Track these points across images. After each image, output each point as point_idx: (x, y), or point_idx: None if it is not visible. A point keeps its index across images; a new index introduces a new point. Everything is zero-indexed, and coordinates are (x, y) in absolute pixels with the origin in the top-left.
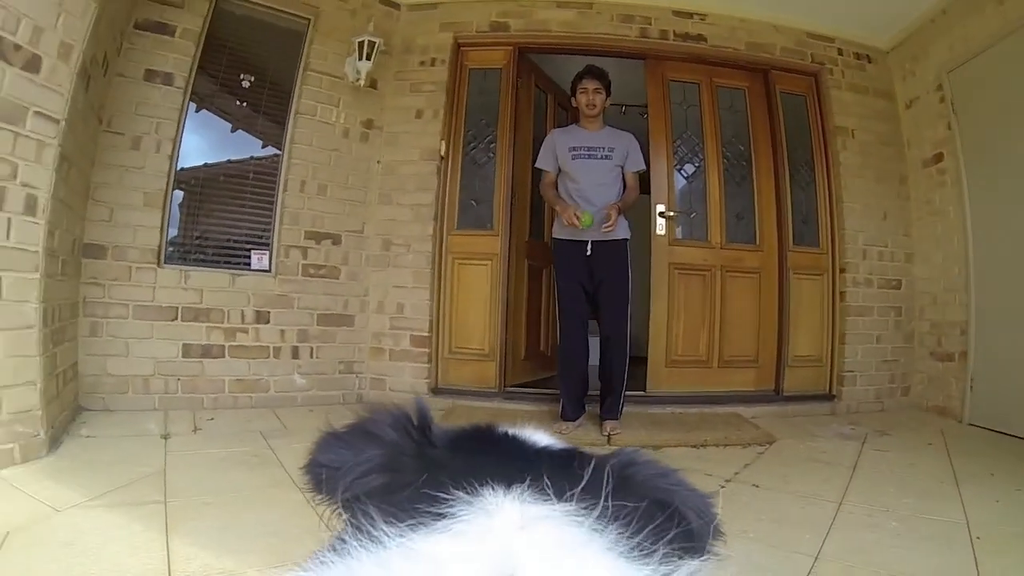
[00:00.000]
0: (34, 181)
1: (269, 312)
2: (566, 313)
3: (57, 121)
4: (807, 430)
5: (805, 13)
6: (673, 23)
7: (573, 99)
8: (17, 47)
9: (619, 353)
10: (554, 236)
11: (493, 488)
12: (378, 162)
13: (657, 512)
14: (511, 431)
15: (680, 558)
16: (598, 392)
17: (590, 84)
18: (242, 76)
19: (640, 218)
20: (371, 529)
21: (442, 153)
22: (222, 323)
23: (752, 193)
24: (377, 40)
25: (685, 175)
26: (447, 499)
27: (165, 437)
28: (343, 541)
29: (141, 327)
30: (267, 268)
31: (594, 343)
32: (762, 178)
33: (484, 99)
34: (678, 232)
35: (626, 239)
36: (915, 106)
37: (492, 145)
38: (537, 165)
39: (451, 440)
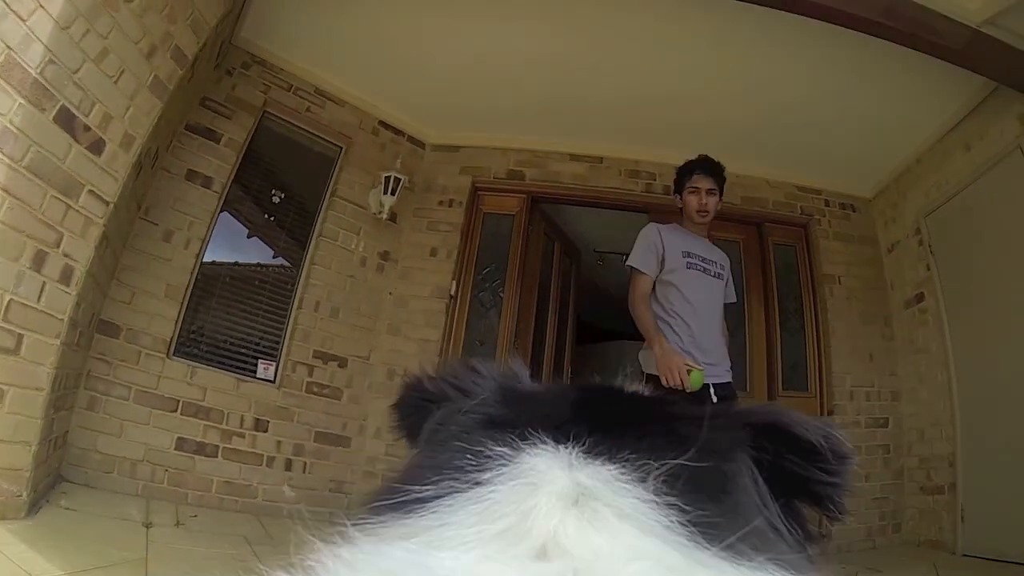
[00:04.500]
0: (75, 254)
1: (269, 422)
2: None
3: (107, 203)
4: None
5: (795, 167)
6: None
7: (677, 197)
8: (87, 128)
9: None
10: (652, 373)
11: (543, 440)
12: (390, 293)
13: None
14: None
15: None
16: None
17: (704, 183)
18: (274, 191)
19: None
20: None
21: (452, 292)
22: (221, 424)
23: (745, 341)
24: (403, 177)
25: None
26: (489, 456)
27: (147, 525)
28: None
29: (139, 412)
30: (272, 379)
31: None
32: (754, 327)
33: (496, 243)
34: None
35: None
36: (896, 250)
37: (499, 289)
38: (634, 264)
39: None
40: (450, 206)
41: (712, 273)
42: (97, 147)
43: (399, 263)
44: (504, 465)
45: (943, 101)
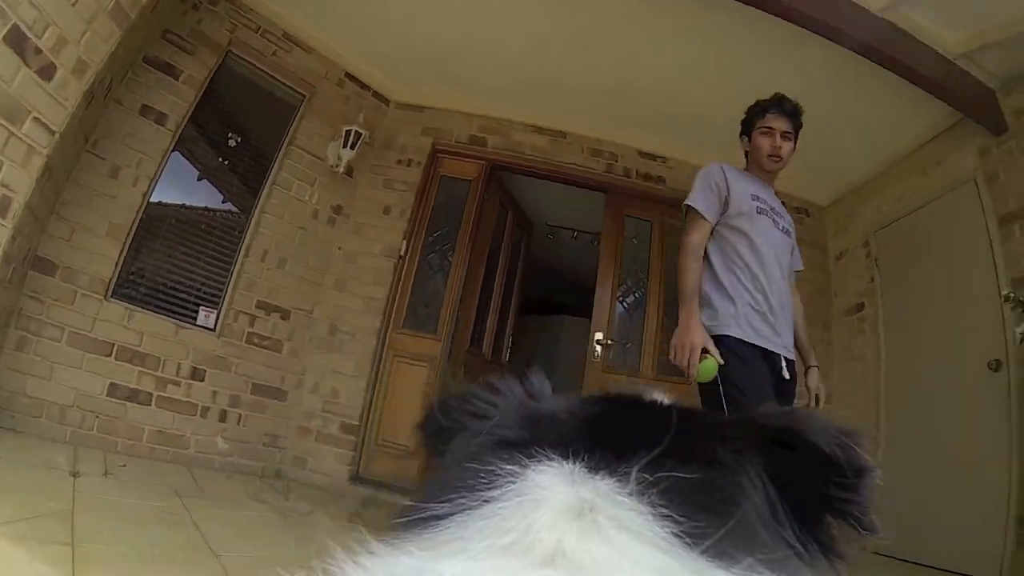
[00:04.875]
0: (14, 184)
1: (206, 371)
2: None
3: (53, 133)
4: None
5: None
6: (637, 163)
7: (745, 139)
8: (38, 50)
9: None
10: (727, 334)
11: (550, 457)
12: (339, 248)
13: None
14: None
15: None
16: None
17: (779, 124)
18: (230, 135)
19: (580, 341)
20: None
21: (401, 252)
22: (156, 371)
23: None
24: (364, 132)
25: (626, 306)
26: (499, 475)
27: (75, 475)
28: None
29: (72, 355)
30: (212, 327)
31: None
32: None
33: (450, 206)
34: (611, 358)
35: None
36: (844, 259)
37: (448, 253)
38: (692, 203)
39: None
40: (408, 166)
41: (781, 228)
42: (47, 72)
43: (351, 218)
44: (512, 483)
45: (909, 123)
